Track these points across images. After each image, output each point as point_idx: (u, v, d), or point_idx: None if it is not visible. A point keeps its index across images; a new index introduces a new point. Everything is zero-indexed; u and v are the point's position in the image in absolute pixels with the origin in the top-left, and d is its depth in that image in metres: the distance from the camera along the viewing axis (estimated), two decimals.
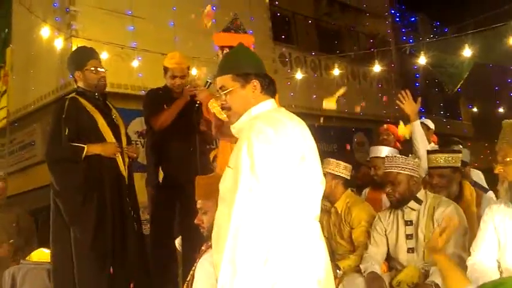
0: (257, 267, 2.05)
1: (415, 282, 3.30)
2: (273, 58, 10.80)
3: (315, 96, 11.31)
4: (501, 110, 12.60)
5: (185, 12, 8.92)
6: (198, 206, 2.70)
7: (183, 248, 4.41)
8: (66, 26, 8.07)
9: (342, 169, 4.08)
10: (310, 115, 9.61)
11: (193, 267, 2.76)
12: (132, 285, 3.91)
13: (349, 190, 4.13)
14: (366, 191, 4.87)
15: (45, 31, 7.50)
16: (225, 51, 3.59)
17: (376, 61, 9.75)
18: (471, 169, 4.76)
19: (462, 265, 3.01)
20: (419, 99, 4.40)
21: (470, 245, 3.06)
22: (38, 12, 8.21)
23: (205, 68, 4.18)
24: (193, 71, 6.12)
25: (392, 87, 13.53)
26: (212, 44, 3.99)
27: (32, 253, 4.86)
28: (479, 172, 4.97)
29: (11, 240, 5.30)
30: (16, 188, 8.32)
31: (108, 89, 4.28)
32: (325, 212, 4.02)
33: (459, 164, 3.93)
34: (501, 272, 2.82)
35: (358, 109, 10.13)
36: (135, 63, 8.19)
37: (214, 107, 3.62)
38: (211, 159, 4.47)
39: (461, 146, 4.74)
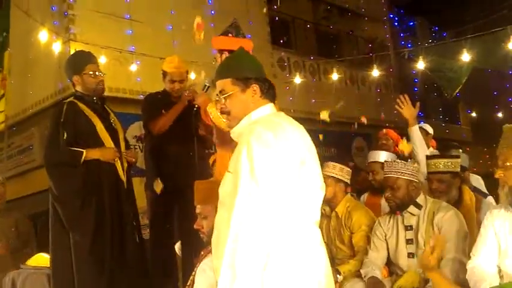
0: (257, 271, 2.05)
1: (416, 287, 3.28)
2: (271, 62, 10.81)
3: (313, 100, 11.32)
4: (500, 114, 12.63)
5: (183, 16, 8.92)
6: (197, 211, 2.69)
7: (183, 252, 4.40)
8: (64, 29, 8.06)
9: (345, 174, 4.09)
10: (308, 119, 9.60)
11: (193, 272, 2.75)
12: None
13: (349, 195, 4.12)
14: (365, 196, 4.86)
15: (43, 35, 7.47)
16: (224, 55, 3.59)
17: (375, 66, 9.76)
18: (471, 174, 4.76)
19: (463, 270, 3.00)
20: (418, 103, 4.40)
21: (470, 250, 3.05)
22: (36, 16, 8.19)
23: (203, 73, 4.17)
24: (192, 75, 6.11)
25: (391, 91, 13.55)
26: (210, 48, 3.98)
27: (32, 258, 4.84)
28: (479, 177, 4.97)
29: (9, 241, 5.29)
30: (15, 192, 8.29)
31: (106, 93, 4.28)
32: (325, 217, 4.01)
33: (458, 169, 3.93)
34: (501, 277, 2.82)
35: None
36: (134, 67, 8.18)
37: (212, 111, 3.61)
38: (210, 163, 4.45)
39: (460, 151, 4.73)
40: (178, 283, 4.47)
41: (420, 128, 4.55)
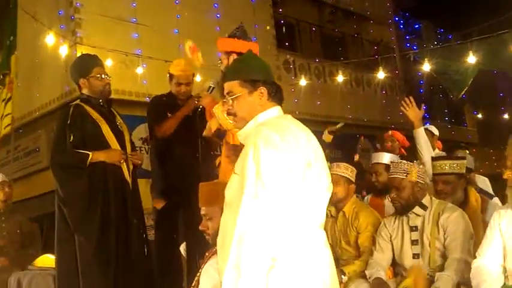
0: (261, 272, 2.05)
1: None
2: (277, 65, 10.83)
3: (319, 102, 11.33)
4: (506, 116, 12.59)
5: (189, 20, 8.98)
6: (202, 212, 2.70)
7: (188, 253, 4.41)
8: (71, 33, 8.12)
9: (354, 175, 4.11)
10: (314, 121, 9.63)
11: (198, 273, 2.75)
12: None
13: (354, 196, 4.13)
14: (368, 197, 4.86)
15: (50, 38, 7.53)
16: (231, 57, 3.60)
17: (380, 68, 9.76)
18: (477, 175, 4.76)
19: (468, 270, 3.00)
20: (423, 105, 4.41)
21: (475, 251, 3.05)
22: (43, 20, 8.26)
23: (210, 79, 4.19)
24: (198, 78, 6.13)
25: (396, 93, 13.54)
26: (216, 51, 4.00)
27: (38, 259, 4.87)
28: (486, 178, 4.96)
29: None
30: (21, 194, 8.33)
31: (112, 96, 4.29)
32: (330, 218, 4.01)
33: (464, 171, 3.92)
34: (506, 277, 2.82)
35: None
36: (140, 70, 8.22)
37: (218, 112, 3.62)
38: (216, 164, 4.46)
39: (467, 151, 4.73)
40: (183, 284, 4.47)
41: (426, 129, 4.56)
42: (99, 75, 4.09)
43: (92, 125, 4.01)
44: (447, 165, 3.86)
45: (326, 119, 11.25)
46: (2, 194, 5.40)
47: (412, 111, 4.34)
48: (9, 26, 7.59)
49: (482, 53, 7.98)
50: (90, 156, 3.88)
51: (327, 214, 2.36)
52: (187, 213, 4.52)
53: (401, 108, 4.39)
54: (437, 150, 5.05)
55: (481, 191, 4.35)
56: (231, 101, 2.38)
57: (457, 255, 3.20)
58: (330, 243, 2.49)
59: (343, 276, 3.58)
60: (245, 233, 2.06)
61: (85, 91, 4.12)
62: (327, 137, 5.12)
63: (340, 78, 10.56)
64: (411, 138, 4.50)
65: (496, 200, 4.31)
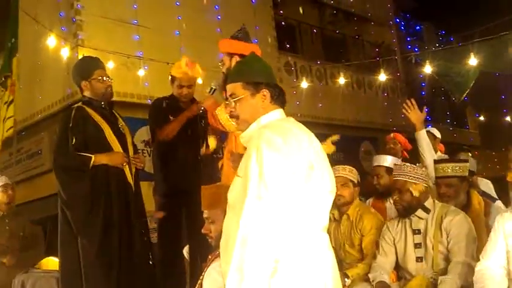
0: (264, 275, 2.05)
1: None
2: (278, 67, 10.83)
3: (320, 104, 11.32)
4: (508, 118, 12.57)
5: (191, 21, 8.98)
6: (205, 215, 2.69)
7: (191, 256, 4.40)
8: (72, 35, 8.12)
9: (358, 177, 4.11)
10: (316, 124, 9.62)
11: (201, 276, 2.75)
12: None
13: (357, 199, 4.13)
14: (370, 200, 4.85)
15: (51, 41, 7.53)
16: (234, 59, 3.60)
17: (382, 70, 9.75)
18: (480, 178, 4.75)
19: (471, 273, 2.99)
20: (425, 108, 4.40)
21: (478, 255, 3.04)
22: (44, 22, 8.26)
23: (212, 81, 4.17)
24: (199, 80, 6.13)
25: (398, 96, 13.54)
26: (218, 53, 4.00)
27: (41, 261, 4.88)
28: (489, 181, 4.95)
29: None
30: (24, 197, 8.34)
31: (114, 98, 4.28)
32: (333, 221, 4.01)
33: (466, 174, 3.92)
34: (510, 280, 2.81)
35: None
36: (141, 72, 8.22)
37: (221, 113, 3.62)
38: (219, 167, 4.45)
39: (469, 154, 4.72)
40: (186, 287, 4.47)
41: (428, 132, 4.55)
42: (100, 78, 4.09)
43: (94, 128, 4.00)
44: (450, 168, 3.85)
45: (328, 121, 11.26)
46: (5, 197, 5.41)
47: (414, 114, 4.33)
48: (11, 28, 7.58)
49: (484, 55, 7.97)
50: (93, 159, 3.88)
51: (330, 218, 2.35)
52: (189, 216, 4.52)
53: (403, 110, 4.39)
54: (439, 153, 5.05)
55: (483, 194, 4.34)
56: (233, 103, 2.39)
57: (461, 258, 3.20)
58: (333, 246, 2.48)
59: (346, 280, 3.58)
60: (248, 235, 2.06)
61: (87, 93, 4.12)
62: (330, 148, 5.06)
63: (341, 80, 10.54)
64: (413, 140, 4.50)
65: (498, 203, 4.29)
